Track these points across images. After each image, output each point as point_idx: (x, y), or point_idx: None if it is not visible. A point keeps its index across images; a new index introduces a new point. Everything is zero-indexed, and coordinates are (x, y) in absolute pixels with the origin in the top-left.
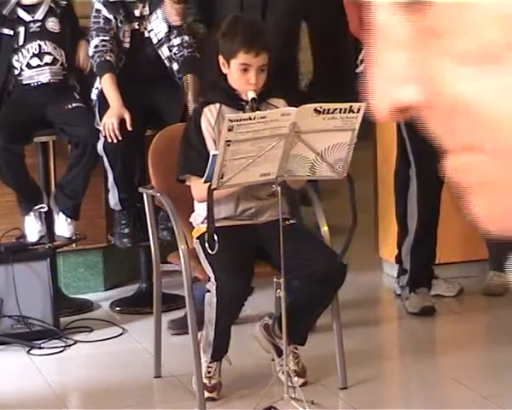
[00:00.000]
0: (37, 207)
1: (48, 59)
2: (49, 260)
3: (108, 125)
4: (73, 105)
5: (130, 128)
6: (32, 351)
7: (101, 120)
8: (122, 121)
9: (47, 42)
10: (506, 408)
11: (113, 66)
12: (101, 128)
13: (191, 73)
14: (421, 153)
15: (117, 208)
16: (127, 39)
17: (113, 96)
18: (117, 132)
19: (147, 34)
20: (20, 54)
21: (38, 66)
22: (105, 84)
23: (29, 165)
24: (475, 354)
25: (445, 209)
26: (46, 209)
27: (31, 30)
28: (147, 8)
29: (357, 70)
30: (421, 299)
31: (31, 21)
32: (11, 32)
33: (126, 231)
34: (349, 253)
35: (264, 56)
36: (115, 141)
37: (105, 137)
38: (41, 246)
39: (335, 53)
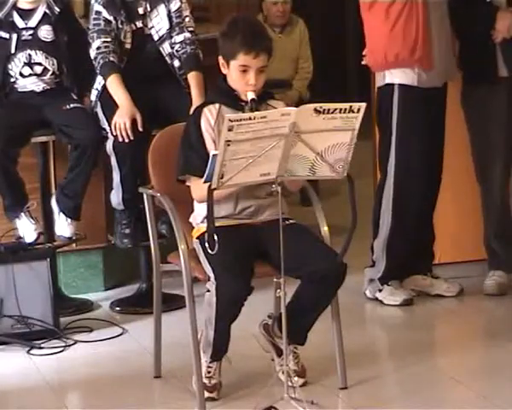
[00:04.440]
0: (26, 207)
1: (38, 69)
2: (49, 260)
3: (120, 124)
4: (71, 106)
5: (141, 129)
6: (32, 351)
7: (107, 120)
8: (132, 121)
9: (37, 51)
10: (506, 408)
11: (117, 66)
12: (107, 128)
13: (195, 70)
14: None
15: (119, 208)
16: (128, 40)
17: (121, 96)
18: (129, 132)
19: (147, 31)
20: (12, 63)
21: (30, 75)
22: (112, 85)
23: (29, 165)
24: (475, 354)
25: (445, 209)
26: (35, 205)
27: (22, 38)
28: (148, 5)
29: (363, 62)
30: (399, 291)
31: (23, 29)
32: (7, 36)
33: (127, 231)
34: (349, 253)
35: (263, 57)
36: (126, 140)
37: (115, 136)
38: (41, 246)
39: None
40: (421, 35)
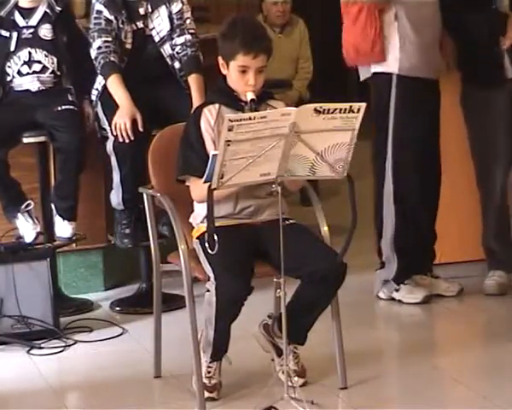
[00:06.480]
0: (23, 207)
1: (36, 67)
2: (49, 260)
3: (120, 124)
4: (63, 107)
5: (141, 129)
6: (32, 351)
7: (107, 120)
8: (133, 121)
9: (37, 49)
10: (506, 408)
11: (118, 66)
12: (108, 128)
13: (195, 72)
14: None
15: (119, 208)
16: (129, 40)
17: (122, 96)
18: (129, 132)
19: (148, 32)
20: (12, 61)
21: (28, 74)
22: (112, 85)
23: (29, 165)
24: (475, 354)
25: (445, 209)
26: (33, 205)
27: (23, 36)
28: (149, 6)
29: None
30: (418, 288)
31: (24, 27)
32: (7, 34)
33: (127, 231)
34: (349, 253)
35: (262, 58)
36: (127, 141)
37: (115, 136)
38: (41, 246)
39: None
40: (378, 30)
